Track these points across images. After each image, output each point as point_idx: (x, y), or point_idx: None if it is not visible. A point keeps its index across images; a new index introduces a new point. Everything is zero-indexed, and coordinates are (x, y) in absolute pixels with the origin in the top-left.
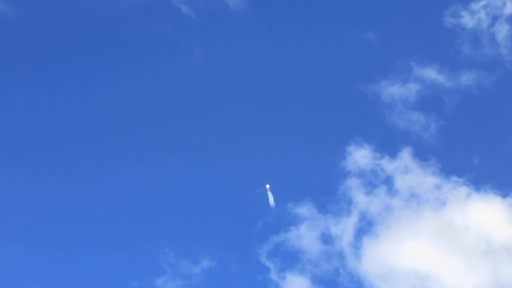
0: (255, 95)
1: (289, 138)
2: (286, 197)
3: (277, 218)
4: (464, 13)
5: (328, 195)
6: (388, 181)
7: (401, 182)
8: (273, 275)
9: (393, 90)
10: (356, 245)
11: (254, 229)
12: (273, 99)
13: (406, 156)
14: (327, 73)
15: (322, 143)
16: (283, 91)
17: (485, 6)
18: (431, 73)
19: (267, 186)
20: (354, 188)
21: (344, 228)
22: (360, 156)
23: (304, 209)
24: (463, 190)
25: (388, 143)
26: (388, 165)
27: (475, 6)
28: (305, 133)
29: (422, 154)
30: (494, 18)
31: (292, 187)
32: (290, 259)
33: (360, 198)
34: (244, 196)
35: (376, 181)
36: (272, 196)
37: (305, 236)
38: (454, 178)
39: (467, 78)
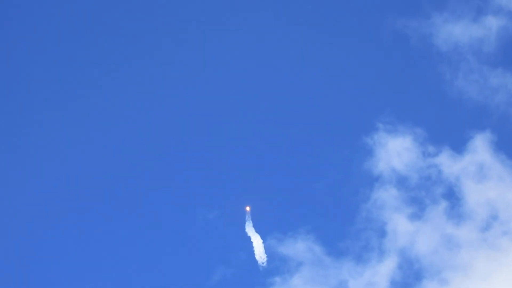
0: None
1: (274, 121)
2: (269, 225)
3: (250, 264)
4: None
5: (342, 222)
6: (450, 195)
7: (472, 196)
8: None
9: (456, 31)
10: None
11: (207, 283)
12: (247, 41)
13: (481, 150)
14: (337, 1)
15: (331, 127)
16: (262, 26)
17: None
18: None
19: (247, 208)
20: (389, 208)
21: (372, 281)
22: (398, 149)
23: (301, 247)
24: None
25: (448, 127)
26: (450, 166)
27: None
28: (302, 111)
29: (509, 146)
30: None
31: (279, 208)
32: None
33: (400, 226)
34: (192, 223)
35: (428, 194)
36: (258, 238)
37: None
38: None
39: None
